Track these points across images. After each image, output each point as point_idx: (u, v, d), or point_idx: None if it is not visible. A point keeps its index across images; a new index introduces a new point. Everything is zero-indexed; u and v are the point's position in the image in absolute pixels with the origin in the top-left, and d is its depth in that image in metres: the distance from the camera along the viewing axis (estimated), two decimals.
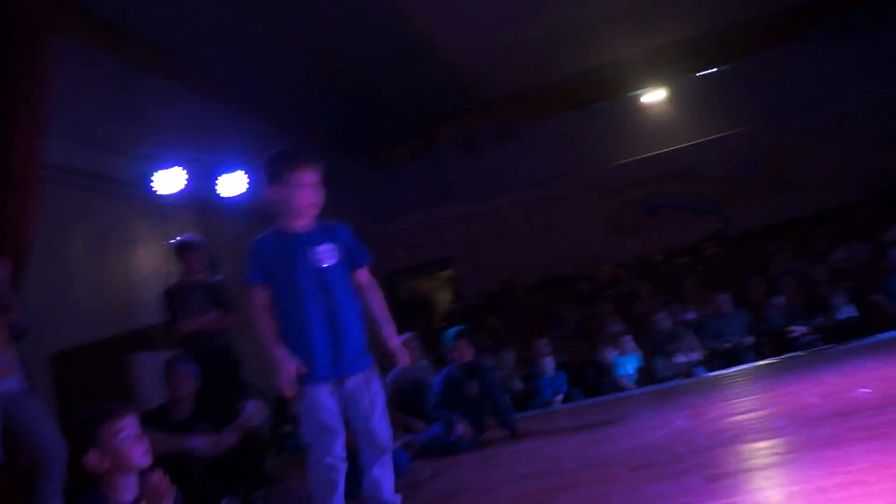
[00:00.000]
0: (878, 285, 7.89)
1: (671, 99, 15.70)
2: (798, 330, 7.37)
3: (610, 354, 7.75)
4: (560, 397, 7.44)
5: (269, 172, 2.64)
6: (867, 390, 3.24)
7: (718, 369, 7.22)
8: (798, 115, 14.92)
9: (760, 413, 3.51)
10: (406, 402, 5.40)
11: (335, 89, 11.77)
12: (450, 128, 15.73)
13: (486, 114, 15.51)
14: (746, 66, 15.19)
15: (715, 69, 15.19)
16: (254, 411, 3.97)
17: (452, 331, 5.05)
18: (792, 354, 6.77)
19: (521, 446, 4.25)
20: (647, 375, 7.54)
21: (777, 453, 2.48)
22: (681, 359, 7.34)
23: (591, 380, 7.83)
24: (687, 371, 7.22)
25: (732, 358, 7.39)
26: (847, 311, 7.26)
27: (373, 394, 2.59)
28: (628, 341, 7.63)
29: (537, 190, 15.44)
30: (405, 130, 15.15)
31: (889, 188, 12.79)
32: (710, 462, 2.59)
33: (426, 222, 15.42)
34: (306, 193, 2.59)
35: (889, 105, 14.30)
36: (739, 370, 6.47)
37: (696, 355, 7.42)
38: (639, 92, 15.64)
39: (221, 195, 8.19)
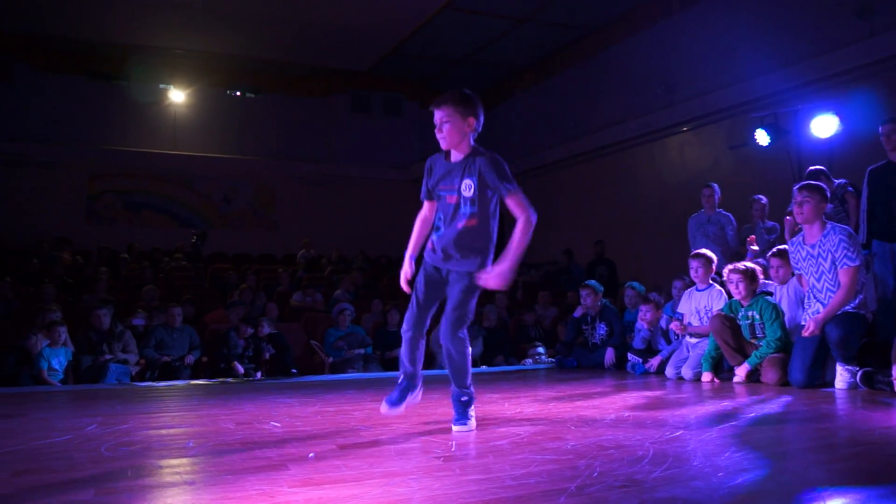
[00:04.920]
0: (316, 333, 8.74)
1: (194, 105, 15.47)
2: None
3: (39, 343, 7.00)
4: None
5: None
6: (277, 424, 3.47)
7: (152, 381, 7.09)
8: (297, 162, 16.05)
9: (175, 431, 3.48)
10: None
11: None
12: None
13: None
14: (270, 102, 15.88)
15: (241, 93, 15.50)
16: None
17: None
18: (226, 380, 7.00)
19: None
20: (75, 372, 7.02)
21: (177, 473, 2.46)
22: (106, 357, 7.07)
23: (10, 367, 6.94)
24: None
25: (169, 372, 7.34)
26: (269, 348, 7.87)
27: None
28: (62, 333, 7.00)
29: (20, 146, 13.70)
30: None
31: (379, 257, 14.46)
32: (106, 474, 2.44)
33: None
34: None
35: (389, 183, 16.30)
36: (172, 385, 6.43)
37: (131, 358, 7.23)
38: (167, 86, 15.08)
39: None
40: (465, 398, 3.25)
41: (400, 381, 3.34)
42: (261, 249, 15.09)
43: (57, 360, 6.89)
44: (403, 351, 3.33)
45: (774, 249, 5.77)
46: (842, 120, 8.52)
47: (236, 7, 12.23)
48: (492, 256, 3.16)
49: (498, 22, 12.98)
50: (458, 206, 3.12)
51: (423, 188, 3.31)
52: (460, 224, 3.10)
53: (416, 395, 3.38)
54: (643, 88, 12.23)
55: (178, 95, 15.23)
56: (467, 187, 3.09)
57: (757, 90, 10.07)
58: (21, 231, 13.20)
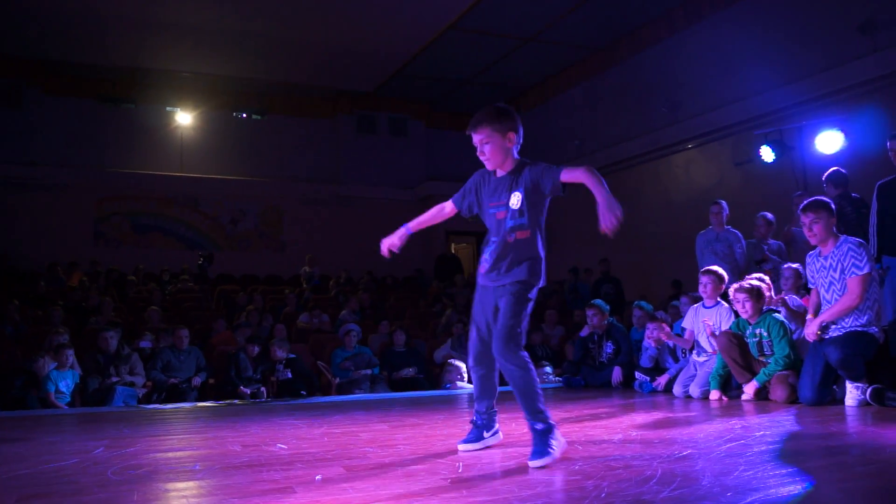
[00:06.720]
0: (323, 354, 8.72)
1: (201, 127, 15.56)
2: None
3: (46, 366, 7.02)
4: None
5: None
6: (284, 446, 3.46)
7: (158, 403, 7.08)
8: (304, 183, 16.10)
9: (181, 454, 3.47)
10: None
11: None
12: None
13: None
14: (276, 124, 15.96)
15: (248, 115, 15.58)
16: None
17: None
18: (233, 402, 6.99)
19: None
20: (82, 395, 7.03)
21: (184, 496, 2.45)
22: (113, 380, 7.08)
23: (17, 390, 6.94)
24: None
25: (176, 394, 7.33)
26: (286, 373, 7.81)
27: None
28: (70, 355, 7.01)
29: (29, 170, 13.81)
30: None
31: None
32: (113, 498, 2.43)
33: None
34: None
35: (396, 204, 16.32)
36: (178, 407, 6.42)
37: (138, 381, 7.24)
38: (174, 109, 15.20)
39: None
40: (539, 426, 2.91)
41: (475, 419, 3.26)
42: (267, 270, 15.11)
43: (64, 382, 6.90)
44: (475, 389, 3.25)
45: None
46: (847, 136, 8.52)
47: (242, 30, 12.33)
48: (543, 267, 3.12)
49: (502, 42, 13.06)
50: (506, 220, 3.10)
51: (461, 194, 3.33)
52: (511, 238, 3.08)
53: (495, 434, 3.29)
54: (648, 106, 12.27)
55: (184, 118, 15.34)
56: (515, 200, 3.08)
57: (761, 106, 10.09)
58: (29, 254, 13.26)
